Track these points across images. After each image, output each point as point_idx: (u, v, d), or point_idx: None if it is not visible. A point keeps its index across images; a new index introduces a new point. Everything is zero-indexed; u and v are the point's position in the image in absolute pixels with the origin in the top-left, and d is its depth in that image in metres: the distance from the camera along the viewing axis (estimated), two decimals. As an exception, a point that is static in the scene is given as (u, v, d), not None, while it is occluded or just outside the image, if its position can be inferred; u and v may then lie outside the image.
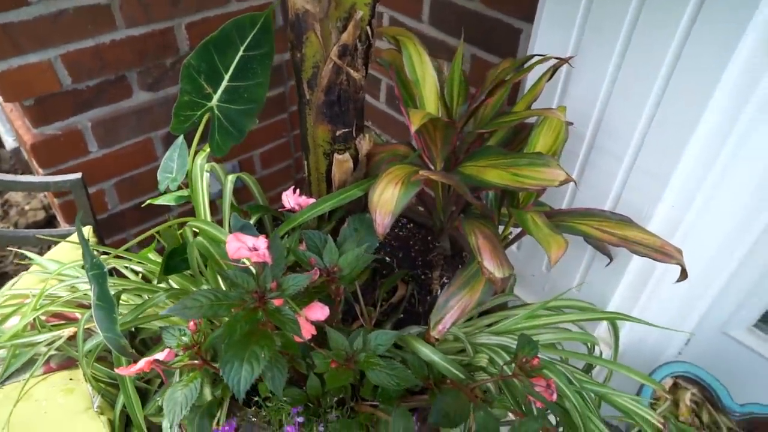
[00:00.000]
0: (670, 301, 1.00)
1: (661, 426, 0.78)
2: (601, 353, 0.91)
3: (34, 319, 0.77)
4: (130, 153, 1.26)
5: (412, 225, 1.12)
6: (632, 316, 0.83)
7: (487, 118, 0.80)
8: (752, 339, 1.06)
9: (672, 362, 1.06)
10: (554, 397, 0.67)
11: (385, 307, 0.93)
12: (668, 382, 1.05)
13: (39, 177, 1.06)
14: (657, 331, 1.08)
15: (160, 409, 0.74)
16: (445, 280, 0.99)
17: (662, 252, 0.72)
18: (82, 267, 0.86)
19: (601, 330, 1.04)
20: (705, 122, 0.72)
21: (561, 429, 0.78)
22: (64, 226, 1.28)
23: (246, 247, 0.57)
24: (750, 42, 0.65)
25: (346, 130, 0.72)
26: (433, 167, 0.76)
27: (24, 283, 0.89)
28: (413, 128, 0.61)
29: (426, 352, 0.71)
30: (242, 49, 0.71)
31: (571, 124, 0.82)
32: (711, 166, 0.78)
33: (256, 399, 0.74)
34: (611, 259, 0.90)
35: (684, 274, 0.74)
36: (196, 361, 0.65)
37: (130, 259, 0.84)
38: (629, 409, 0.79)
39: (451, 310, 0.71)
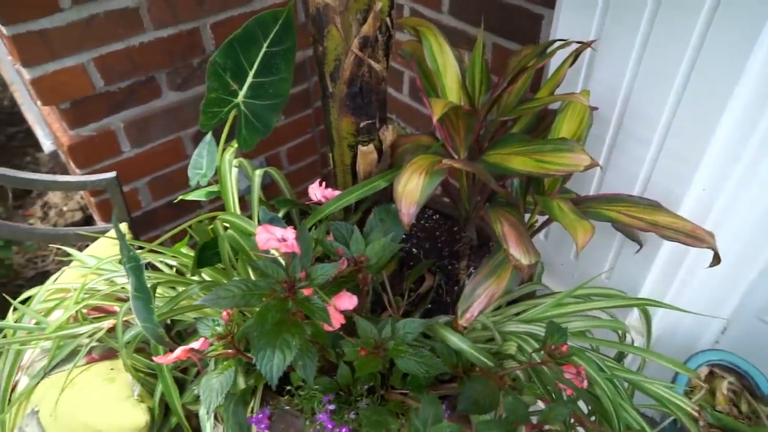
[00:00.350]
0: (704, 287, 0.98)
1: (696, 414, 0.77)
2: (633, 341, 0.90)
3: (76, 312, 0.80)
4: (161, 152, 1.30)
5: (437, 216, 1.13)
6: (662, 302, 0.81)
7: (510, 106, 0.79)
8: (791, 325, 1.03)
9: (707, 350, 1.04)
10: (584, 384, 0.67)
11: (413, 297, 0.94)
12: (704, 371, 1.03)
13: (76, 177, 1.10)
14: (691, 318, 1.05)
15: (197, 397, 0.77)
16: (472, 270, 0.99)
17: (693, 236, 0.71)
18: (119, 262, 0.89)
19: (633, 318, 1.03)
20: (735, 101, 0.70)
21: (593, 418, 0.77)
22: (100, 225, 1.33)
23: (275, 238, 0.59)
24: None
25: (370, 121, 0.73)
26: (456, 156, 0.76)
27: (65, 278, 0.93)
28: (435, 117, 0.62)
29: (454, 340, 0.71)
30: (265, 45, 0.73)
31: (596, 108, 0.81)
32: (743, 147, 0.76)
33: (288, 388, 0.76)
34: (641, 246, 0.89)
35: (717, 259, 0.72)
36: (229, 350, 0.67)
37: (164, 253, 0.87)
38: (663, 397, 0.78)
39: (479, 298, 0.72)
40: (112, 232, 1.00)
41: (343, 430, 0.70)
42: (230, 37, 0.70)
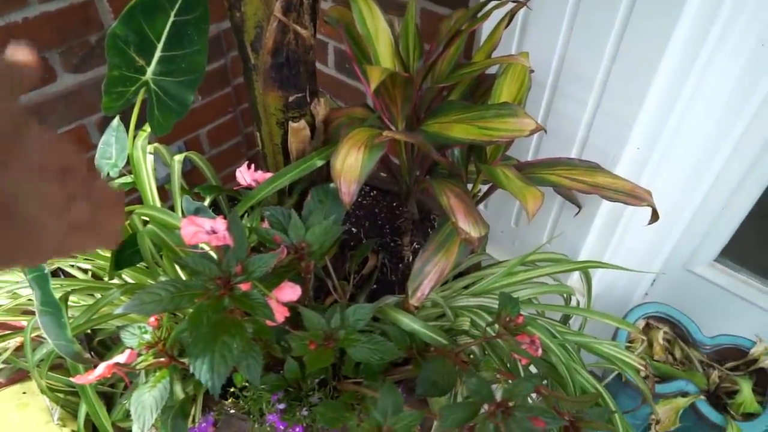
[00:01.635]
0: (637, 244, 1.01)
1: (642, 367, 0.79)
2: (578, 303, 0.91)
3: (-27, 333, 0.70)
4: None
5: (375, 192, 1.08)
6: (607, 263, 0.82)
7: (445, 73, 0.76)
8: (714, 273, 1.09)
9: (643, 304, 1.08)
10: (539, 352, 0.66)
11: (357, 279, 0.90)
12: (641, 324, 1.07)
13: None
14: (625, 276, 1.09)
15: (128, 413, 0.69)
16: (416, 246, 0.96)
17: (633, 195, 0.71)
18: (20, 270, 0.78)
19: (573, 280, 1.05)
20: (666, 59, 0.70)
21: (545, 382, 0.77)
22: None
23: (203, 231, 0.52)
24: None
25: (299, 95, 0.67)
26: (394, 128, 0.72)
27: (-43, 295, 0.80)
28: (372, 85, 0.57)
29: (406, 321, 0.68)
30: (173, 13, 0.64)
31: (533, 71, 0.79)
32: (673, 105, 0.76)
33: (232, 390, 0.70)
34: (580, 208, 0.89)
35: (655, 216, 0.73)
36: (162, 359, 0.60)
37: (76, 257, 0.77)
38: (610, 354, 0.79)
39: (429, 275, 0.69)
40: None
41: (297, 429, 0.65)
42: (130, 4, 0.61)
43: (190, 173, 1.37)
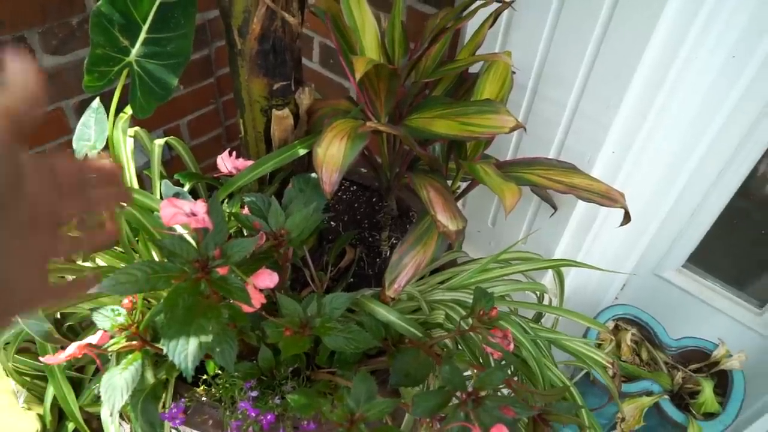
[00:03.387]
0: (609, 247, 1.04)
1: (609, 365, 0.81)
2: (551, 301, 0.93)
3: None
4: (39, 125, 1.13)
5: (355, 187, 1.09)
6: (578, 262, 0.84)
7: (429, 69, 0.77)
8: (682, 279, 1.13)
9: (613, 305, 1.11)
10: (511, 347, 0.67)
11: (334, 272, 0.90)
12: (610, 325, 1.09)
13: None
14: (597, 277, 1.12)
15: (97, 398, 0.68)
16: (394, 241, 0.97)
17: (607, 197, 0.73)
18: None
19: (547, 280, 1.07)
20: (643, 66, 0.72)
21: (516, 378, 0.79)
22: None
23: (183, 213, 0.52)
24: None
25: (284, 83, 0.67)
26: (377, 121, 0.72)
27: None
28: (357, 76, 0.57)
29: (383, 312, 0.69)
30: (160, -5, 0.64)
31: (515, 71, 0.80)
32: (648, 110, 0.79)
33: (204, 377, 0.69)
34: (555, 209, 0.91)
35: (627, 218, 0.75)
36: (134, 342, 0.59)
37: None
38: (580, 352, 0.81)
39: (406, 267, 0.69)
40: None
41: (269, 416, 0.65)
42: (116, -17, 0.61)
43: (170, 162, 1.36)
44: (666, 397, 0.98)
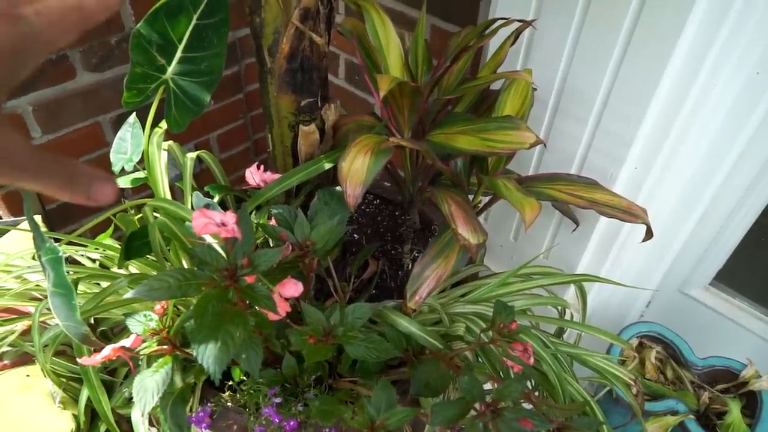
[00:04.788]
0: (633, 263, 1.03)
1: (632, 382, 0.81)
2: (572, 316, 0.93)
3: (-18, 315, 0.72)
4: (77, 138, 1.19)
5: (378, 201, 1.11)
6: (599, 277, 0.84)
7: (452, 86, 0.79)
8: (709, 297, 1.11)
9: (637, 323, 1.10)
10: (531, 360, 0.68)
11: (357, 283, 0.92)
12: (634, 342, 1.08)
13: (-23, 166, 0.98)
14: (621, 293, 1.11)
15: (128, 400, 0.71)
16: (416, 254, 0.98)
17: (629, 213, 0.73)
18: (33, 258, 0.81)
19: (569, 295, 1.06)
20: (665, 83, 0.73)
21: (537, 392, 0.79)
22: (7, 219, 1.20)
23: (214, 223, 0.54)
24: (703, 4, 0.66)
25: (311, 99, 0.70)
26: (400, 137, 0.74)
27: (-32, 278, 0.83)
28: (381, 93, 0.59)
29: (404, 323, 0.70)
30: (195, 17, 0.67)
31: (536, 88, 0.82)
32: (670, 126, 0.79)
33: (229, 383, 0.71)
34: (577, 224, 0.92)
35: (649, 234, 0.75)
36: (165, 346, 0.62)
37: (85, 246, 0.79)
38: (602, 368, 0.81)
39: (427, 279, 0.71)
40: (24, 225, 0.90)
41: (291, 422, 0.67)
42: (155, 6, 0.64)
43: (200, 175, 1.40)
44: (692, 417, 0.96)
